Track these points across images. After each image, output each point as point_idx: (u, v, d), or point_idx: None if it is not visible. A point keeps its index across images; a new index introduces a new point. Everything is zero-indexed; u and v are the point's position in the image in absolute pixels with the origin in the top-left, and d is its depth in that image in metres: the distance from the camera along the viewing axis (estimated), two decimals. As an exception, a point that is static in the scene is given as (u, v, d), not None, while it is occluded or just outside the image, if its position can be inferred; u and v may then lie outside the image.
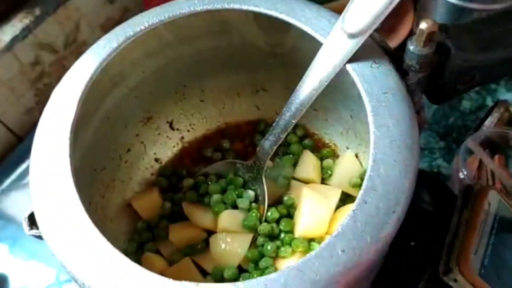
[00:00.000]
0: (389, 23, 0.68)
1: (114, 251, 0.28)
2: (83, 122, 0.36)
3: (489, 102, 0.66)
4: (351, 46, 0.32)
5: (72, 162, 0.31)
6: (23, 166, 0.63)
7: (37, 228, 0.33)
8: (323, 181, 0.45)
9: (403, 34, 0.66)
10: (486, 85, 0.67)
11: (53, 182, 0.31)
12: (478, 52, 0.32)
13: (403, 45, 0.33)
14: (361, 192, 0.28)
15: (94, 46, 0.36)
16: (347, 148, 0.45)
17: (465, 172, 0.54)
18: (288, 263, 0.38)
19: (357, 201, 0.28)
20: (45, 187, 0.31)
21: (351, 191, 0.43)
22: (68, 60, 0.65)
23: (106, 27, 0.68)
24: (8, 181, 0.62)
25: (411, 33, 0.67)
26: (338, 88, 0.40)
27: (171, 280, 0.26)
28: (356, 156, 0.44)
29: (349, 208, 0.39)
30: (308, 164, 0.45)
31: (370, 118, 0.30)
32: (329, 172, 0.45)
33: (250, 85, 0.48)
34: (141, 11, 0.71)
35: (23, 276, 0.55)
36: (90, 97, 0.35)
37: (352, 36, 0.32)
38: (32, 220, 0.33)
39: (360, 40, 0.32)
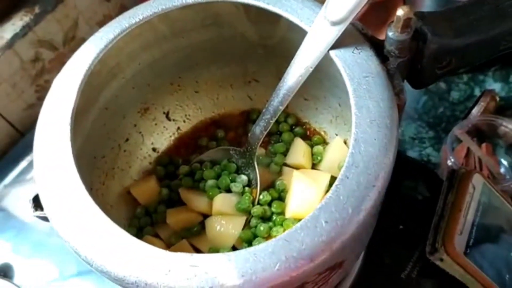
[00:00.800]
0: (379, 16, 0.70)
1: (117, 229, 0.30)
2: (83, 111, 0.38)
3: (477, 92, 0.68)
4: (334, 33, 0.34)
5: (73, 147, 0.33)
6: (25, 161, 0.64)
7: (42, 210, 0.35)
8: (314, 166, 0.47)
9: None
10: (474, 76, 0.69)
11: (56, 166, 0.33)
12: (453, 37, 0.34)
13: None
14: (343, 168, 0.30)
15: (92, 38, 0.38)
16: (336, 135, 0.47)
17: (452, 160, 0.56)
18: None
19: (339, 176, 0.30)
20: (49, 171, 0.33)
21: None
22: (67, 57, 0.65)
23: (103, 24, 0.69)
24: (10, 176, 0.63)
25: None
26: (326, 77, 0.42)
27: (169, 252, 0.28)
28: (345, 142, 0.46)
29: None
30: (299, 150, 0.47)
31: (352, 101, 0.32)
32: (319, 158, 0.47)
33: (243, 76, 0.50)
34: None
35: (26, 268, 0.56)
36: (89, 88, 0.37)
37: (334, 23, 0.34)
38: (37, 202, 0.35)
39: (342, 27, 0.34)
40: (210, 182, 0.44)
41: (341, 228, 0.28)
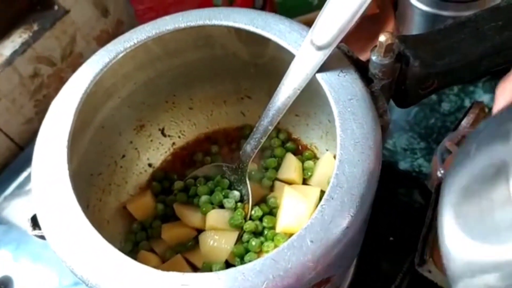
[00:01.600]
0: (370, 30, 0.72)
1: (111, 248, 0.31)
2: (80, 131, 0.39)
3: (468, 103, 0.69)
4: (320, 57, 0.35)
5: (70, 168, 0.35)
6: (24, 174, 0.66)
7: (39, 229, 0.36)
8: (305, 181, 0.48)
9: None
10: (464, 87, 0.70)
11: (53, 186, 0.34)
12: (435, 60, 0.36)
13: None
14: (328, 189, 0.31)
15: (89, 61, 0.40)
16: (327, 150, 0.49)
17: (442, 171, 0.57)
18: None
19: (325, 196, 0.31)
20: (46, 191, 0.34)
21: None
22: (65, 72, 0.68)
23: (101, 39, 0.71)
24: (10, 188, 0.65)
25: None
26: (316, 95, 0.43)
27: (161, 271, 0.30)
28: (335, 157, 0.47)
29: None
30: (290, 166, 0.48)
31: (337, 122, 0.34)
32: (310, 173, 0.48)
33: (236, 93, 0.51)
34: (134, 24, 0.74)
35: (26, 280, 0.57)
36: (86, 108, 0.39)
37: (320, 48, 0.35)
38: (35, 221, 0.36)
39: (327, 52, 0.35)
40: (204, 198, 0.46)
41: (326, 247, 0.30)
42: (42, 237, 0.36)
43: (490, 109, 0.65)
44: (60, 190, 0.34)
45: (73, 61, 0.68)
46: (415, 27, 0.66)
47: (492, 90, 0.69)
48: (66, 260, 0.32)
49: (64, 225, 0.33)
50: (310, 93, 0.42)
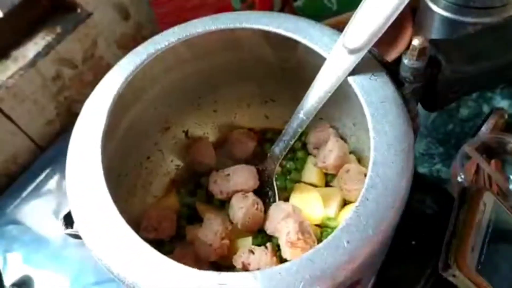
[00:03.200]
0: (389, 36, 0.72)
1: (148, 248, 0.31)
2: (110, 132, 0.40)
3: (486, 109, 0.69)
4: (352, 60, 0.36)
5: (104, 167, 0.35)
6: (43, 175, 0.66)
7: (72, 227, 0.37)
8: (327, 183, 0.49)
9: (402, 47, 0.70)
10: (483, 93, 0.70)
11: (88, 186, 0.35)
12: (466, 64, 0.36)
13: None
14: (363, 190, 0.32)
15: (120, 62, 0.40)
16: (350, 153, 0.49)
17: (462, 176, 0.57)
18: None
19: (359, 198, 0.31)
20: (81, 190, 0.35)
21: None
22: (86, 74, 0.69)
23: (121, 43, 0.72)
24: (28, 190, 0.65)
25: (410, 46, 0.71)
26: (343, 99, 0.44)
27: (197, 270, 0.30)
28: (358, 160, 0.48)
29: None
30: (312, 168, 0.49)
31: (370, 125, 0.34)
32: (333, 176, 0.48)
33: (260, 96, 0.51)
34: (154, 27, 0.75)
35: (40, 282, 0.57)
36: (116, 109, 0.39)
37: (352, 51, 0.36)
38: (68, 220, 0.36)
39: (360, 55, 0.35)
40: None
41: (362, 248, 0.30)
42: (75, 236, 0.37)
43: (510, 115, 0.66)
44: (95, 190, 0.34)
45: (94, 63, 0.69)
46: (434, 33, 0.66)
47: (510, 97, 0.70)
48: (102, 259, 0.32)
49: (100, 224, 0.33)
50: (337, 97, 0.42)
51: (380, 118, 0.34)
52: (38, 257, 0.59)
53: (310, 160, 0.49)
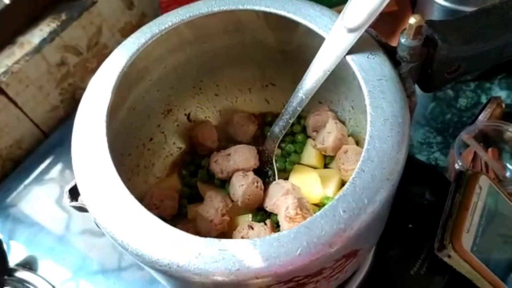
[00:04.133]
0: (388, 27, 0.73)
1: (150, 216, 0.32)
2: (114, 110, 0.41)
3: (484, 99, 0.70)
4: (350, 39, 0.37)
5: (109, 141, 0.36)
6: (47, 161, 0.67)
7: (77, 200, 0.38)
8: (326, 166, 0.50)
9: (402, 36, 0.71)
10: (481, 84, 0.71)
11: (93, 159, 0.36)
12: (461, 44, 0.37)
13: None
14: (359, 163, 0.33)
15: (125, 42, 0.41)
16: (349, 136, 0.50)
17: (460, 163, 0.58)
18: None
19: (356, 170, 0.32)
20: (86, 163, 0.36)
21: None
22: (90, 61, 0.70)
23: (125, 31, 0.73)
24: (31, 177, 0.66)
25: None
26: (341, 81, 0.45)
27: (199, 237, 0.31)
28: (357, 143, 0.49)
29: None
30: (312, 151, 0.50)
31: (367, 101, 0.35)
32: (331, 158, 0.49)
33: (260, 80, 0.52)
34: (157, 16, 0.76)
35: (42, 269, 0.59)
36: (121, 88, 0.40)
37: (351, 30, 0.37)
38: (73, 193, 0.37)
39: (358, 34, 0.36)
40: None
41: (357, 217, 0.31)
42: (80, 209, 0.38)
43: (507, 105, 0.67)
44: (100, 162, 0.35)
45: (98, 51, 0.70)
46: (434, 23, 0.67)
47: (508, 87, 0.71)
48: (106, 227, 0.33)
49: (104, 195, 0.34)
50: (336, 80, 0.44)
51: (377, 94, 0.35)
52: (41, 244, 0.60)
53: (309, 142, 0.50)
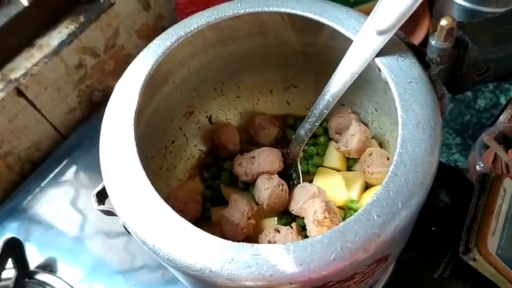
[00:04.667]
0: (407, 27, 0.73)
1: (183, 221, 0.32)
2: (140, 113, 0.41)
3: (503, 100, 0.70)
4: (380, 41, 0.37)
5: (137, 144, 0.36)
6: (62, 164, 0.67)
7: (104, 204, 0.38)
8: (349, 168, 0.49)
9: (420, 37, 0.70)
10: (500, 84, 0.71)
11: (121, 161, 0.36)
12: (492, 46, 0.36)
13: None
14: (392, 166, 0.32)
15: (151, 44, 0.41)
16: (372, 138, 0.50)
17: (481, 165, 0.58)
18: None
19: (389, 174, 0.32)
20: (115, 166, 0.36)
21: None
22: (108, 63, 0.70)
23: (141, 33, 0.73)
24: (48, 179, 0.65)
25: (427, 37, 0.71)
26: (365, 83, 0.44)
27: (232, 242, 0.31)
28: (380, 145, 0.49)
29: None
30: (334, 154, 0.49)
31: (398, 104, 0.35)
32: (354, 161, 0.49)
33: (282, 82, 0.52)
34: (174, 18, 0.76)
35: (68, 265, 0.58)
36: (147, 90, 0.40)
37: (380, 32, 0.36)
38: (100, 197, 0.37)
39: (387, 37, 0.36)
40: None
41: (391, 221, 0.31)
42: (107, 212, 0.38)
43: (527, 105, 0.66)
44: (128, 166, 0.35)
45: (115, 53, 0.70)
46: (453, 23, 0.66)
47: (527, 88, 0.70)
48: (137, 232, 0.33)
49: (134, 199, 0.34)
50: (359, 82, 0.43)
51: (408, 97, 0.35)
52: (57, 245, 0.60)
53: (332, 145, 0.50)
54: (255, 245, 0.31)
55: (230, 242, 0.31)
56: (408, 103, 0.35)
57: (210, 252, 0.31)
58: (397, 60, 0.37)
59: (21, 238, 0.60)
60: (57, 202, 0.64)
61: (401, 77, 0.36)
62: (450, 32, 0.35)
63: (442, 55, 0.36)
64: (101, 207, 0.37)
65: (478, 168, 0.58)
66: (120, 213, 0.34)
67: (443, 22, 0.34)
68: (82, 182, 0.65)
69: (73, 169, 0.67)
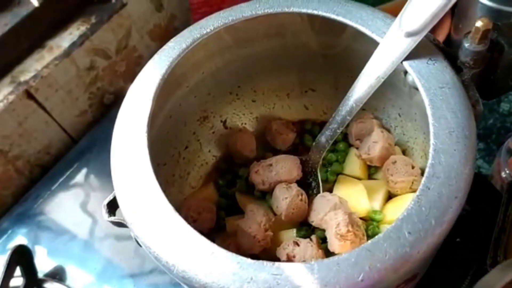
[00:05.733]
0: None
1: (197, 235, 0.30)
2: (153, 119, 0.39)
3: (527, 104, 0.67)
4: (408, 44, 0.34)
5: (149, 152, 0.34)
6: (73, 168, 0.66)
7: (114, 215, 0.36)
8: (370, 176, 0.47)
9: (441, 38, 0.68)
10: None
11: (134, 171, 0.34)
12: (529, 49, 0.34)
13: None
14: (423, 179, 0.30)
15: (165, 47, 0.39)
16: (395, 145, 0.47)
17: (507, 171, 0.55)
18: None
19: (420, 187, 0.30)
20: (127, 176, 0.34)
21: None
22: (119, 65, 0.68)
23: (154, 34, 0.71)
24: (58, 183, 0.64)
25: (448, 38, 0.68)
26: (389, 88, 0.42)
27: (251, 260, 0.29)
28: (404, 152, 0.46)
29: (405, 197, 0.42)
30: (355, 161, 0.47)
31: (429, 111, 0.32)
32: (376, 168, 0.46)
33: (299, 85, 0.50)
34: (187, 18, 0.74)
35: (76, 273, 0.57)
36: (160, 95, 0.38)
37: (409, 34, 0.34)
38: (111, 208, 0.35)
39: (417, 39, 0.34)
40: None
41: (424, 239, 0.28)
42: (118, 224, 0.36)
43: (553, 109, 0.63)
44: (141, 176, 0.33)
45: (127, 54, 0.68)
46: (477, 24, 0.63)
47: (554, 90, 0.67)
48: (150, 247, 0.31)
49: (147, 212, 0.32)
50: (381, 87, 0.41)
51: (439, 104, 0.32)
52: (66, 249, 0.58)
53: (352, 151, 0.48)
54: (276, 263, 0.29)
55: (249, 260, 0.29)
56: (440, 110, 0.32)
57: (227, 271, 0.29)
58: (427, 63, 0.34)
59: (30, 243, 0.60)
60: (67, 206, 0.63)
61: (432, 82, 0.34)
62: (485, 35, 0.32)
63: (476, 59, 0.34)
64: (112, 218, 0.36)
65: (503, 175, 0.56)
66: (132, 226, 0.32)
67: (479, 23, 0.32)
68: (93, 185, 0.64)
69: (83, 172, 0.66)
